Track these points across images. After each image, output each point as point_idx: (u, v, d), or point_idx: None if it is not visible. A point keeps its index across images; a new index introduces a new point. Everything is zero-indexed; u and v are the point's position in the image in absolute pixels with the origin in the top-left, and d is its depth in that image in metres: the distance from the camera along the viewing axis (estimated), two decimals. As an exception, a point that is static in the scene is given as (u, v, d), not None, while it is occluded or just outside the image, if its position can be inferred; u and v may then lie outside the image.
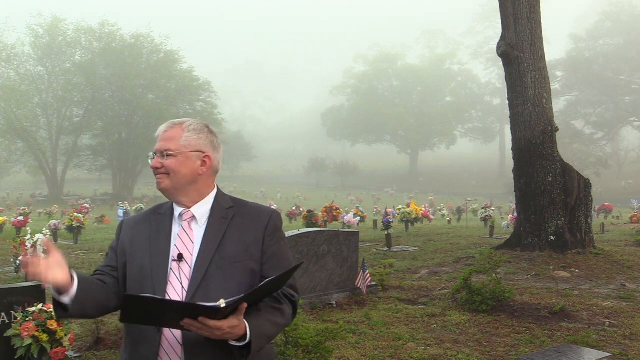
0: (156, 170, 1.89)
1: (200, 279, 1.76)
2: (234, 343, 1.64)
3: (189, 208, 1.88)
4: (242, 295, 1.60)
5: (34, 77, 52.55)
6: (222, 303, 1.54)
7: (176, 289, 1.76)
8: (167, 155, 1.87)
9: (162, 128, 1.93)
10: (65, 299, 1.69)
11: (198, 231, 1.85)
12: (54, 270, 1.65)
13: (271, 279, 1.64)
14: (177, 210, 1.90)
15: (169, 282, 1.77)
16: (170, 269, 1.79)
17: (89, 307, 1.77)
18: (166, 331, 1.73)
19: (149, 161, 1.93)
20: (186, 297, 1.74)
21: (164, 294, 1.75)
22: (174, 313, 1.57)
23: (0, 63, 50.28)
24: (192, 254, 1.81)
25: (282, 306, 1.81)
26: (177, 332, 1.72)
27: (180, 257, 1.79)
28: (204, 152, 1.90)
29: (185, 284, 1.76)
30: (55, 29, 52.03)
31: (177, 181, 1.87)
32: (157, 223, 1.90)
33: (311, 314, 6.47)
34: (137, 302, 1.56)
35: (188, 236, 1.84)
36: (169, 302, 1.60)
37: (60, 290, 1.68)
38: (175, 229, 1.87)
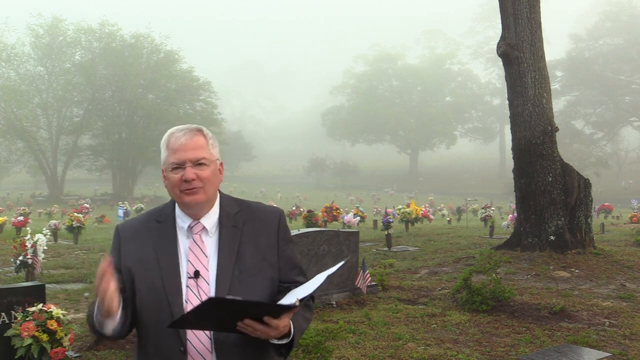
0: (190, 182, 1.72)
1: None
2: (275, 341, 1.63)
3: (199, 219, 1.79)
4: (312, 292, 1.61)
5: (34, 77, 52.56)
6: (296, 302, 1.54)
7: None
8: (202, 165, 1.75)
9: (180, 136, 1.77)
10: (110, 325, 1.67)
11: (210, 243, 1.77)
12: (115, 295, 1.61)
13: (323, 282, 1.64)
14: (185, 221, 1.79)
15: (187, 301, 1.70)
16: (187, 286, 1.72)
17: (119, 330, 1.73)
18: (193, 350, 1.68)
19: (168, 175, 1.77)
20: None
21: (182, 312, 1.67)
22: (242, 314, 1.53)
23: (0, 63, 50.29)
24: (208, 269, 1.74)
25: (309, 302, 1.83)
26: (205, 351, 1.68)
27: (196, 274, 1.72)
28: (220, 160, 1.85)
29: None
30: (55, 29, 52.04)
31: (211, 193, 1.78)
32: (159, 235, 1.79)
33: (311, 314, 6.46)
34: (220, 304, 1.50)
35: (201, 250, 1.76)
36: (252, 302, 1.55)
37: (109, 315, 1.64)
38: (184, 242, 1.78)
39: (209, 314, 1.51)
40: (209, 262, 1.74)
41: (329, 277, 1.63)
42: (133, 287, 1.75)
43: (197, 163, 1.74)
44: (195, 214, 1.79)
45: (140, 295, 1.74)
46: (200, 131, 1.80)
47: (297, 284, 1.81)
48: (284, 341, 1.63)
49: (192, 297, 1.70)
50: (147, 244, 1.78)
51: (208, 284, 1.72)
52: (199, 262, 1.74)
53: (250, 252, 1.78)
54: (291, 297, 1.60)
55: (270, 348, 1.69)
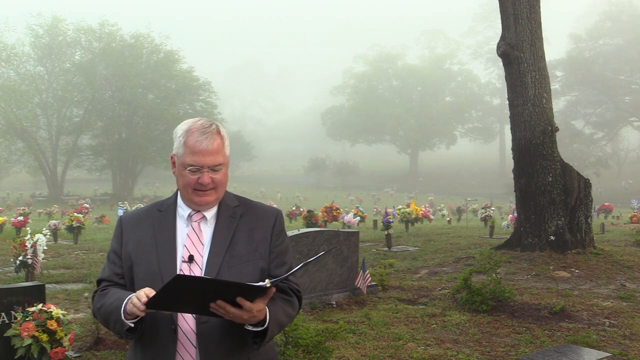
0: (205, 186, 1.79)
1: None
2: (250, 328, 1.66)
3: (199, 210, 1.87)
4: (284, 275, 1.65)
5: (34, 77, 52.47)
6: (267, 283, 1.57)
7: None
8: (217, 170, 1.83)
9: (202, 140, 1.78)
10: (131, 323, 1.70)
11: (207, 231, 1.85)
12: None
13: (296, 269, 1.68)
14: (186, 210, 1.86)
15: None
16: (180, 270, 1.78)
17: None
18: (180, 331, 1.74)
19: (183, 172, 1.80)
20: None
21: None
22: (213, 294, 1.55)
23: (0, 63, 50.23)
24: (202, 255, 1.80)
25: (292, 298, 1.86)
26: (190, 332, 1.73)
27: (190, 259, 1.79)
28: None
29: None
30: (55, 29, 51.97)
31: (221, 193, 1.87)
32: (159, 222, 1.86)
33: (311, 314, 6.47)
34: (187, 282, 1.52)
35: (198, 237, 1.83)
36: (219, 281, 1.58)
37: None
38: (182, 228, 1.85)
39: (179, 294, 1.53)
40: (204, 249, 1.81)
41: (305, 265, 1.67)
42: (131, 275, 1.82)
43: (214, 168, 1.81)
44: (204, 208, 1.86)
45: (139, 279, 1.80)
46: (218, 133, 1.83)
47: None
48: (259, 328, 1.66)
49: None
50: (148, 231, 1.85)
51: (201, 269, 1.78)
52: (194, 248, 1.81)
53: (244, 242, 1.84)
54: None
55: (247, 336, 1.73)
